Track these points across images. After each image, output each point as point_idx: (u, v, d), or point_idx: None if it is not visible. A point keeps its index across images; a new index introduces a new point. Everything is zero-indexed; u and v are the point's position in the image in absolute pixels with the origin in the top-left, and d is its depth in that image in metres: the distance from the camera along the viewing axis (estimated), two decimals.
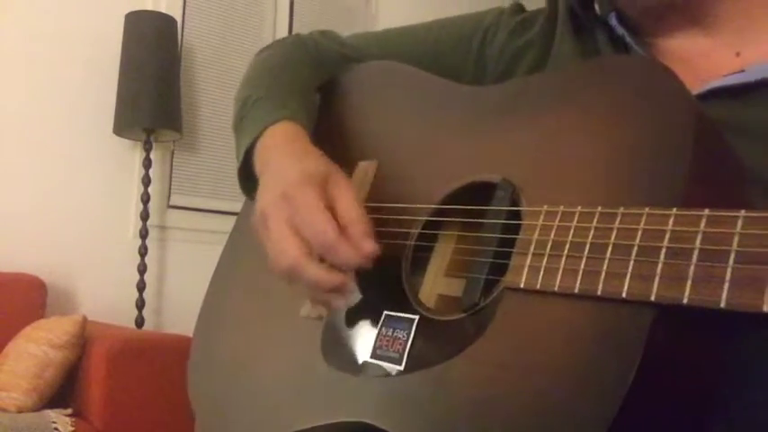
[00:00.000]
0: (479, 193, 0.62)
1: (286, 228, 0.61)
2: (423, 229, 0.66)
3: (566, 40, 0.74)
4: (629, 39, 0.70)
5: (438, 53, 0.83)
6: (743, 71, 0.62)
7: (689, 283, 0.43)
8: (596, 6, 0.72)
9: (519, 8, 0.83)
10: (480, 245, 0.60)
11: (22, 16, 2.54)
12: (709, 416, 0.50)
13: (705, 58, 0.66)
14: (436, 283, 0.66)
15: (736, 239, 0.42)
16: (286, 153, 0.70)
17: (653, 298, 0.44)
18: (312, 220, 0.61)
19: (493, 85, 0.75)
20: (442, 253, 0.68)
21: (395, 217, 0.64)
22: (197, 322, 0.85)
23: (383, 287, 0.66)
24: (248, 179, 0.77)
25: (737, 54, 0.66)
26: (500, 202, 0.59)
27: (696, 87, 0.59)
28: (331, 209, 0.62)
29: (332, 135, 0.80)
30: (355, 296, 0.63)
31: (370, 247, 0.60)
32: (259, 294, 0.79)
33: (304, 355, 0.68)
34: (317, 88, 0.82)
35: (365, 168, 0.73)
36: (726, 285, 0.41)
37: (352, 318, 0.67)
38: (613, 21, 0.71)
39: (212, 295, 0.86)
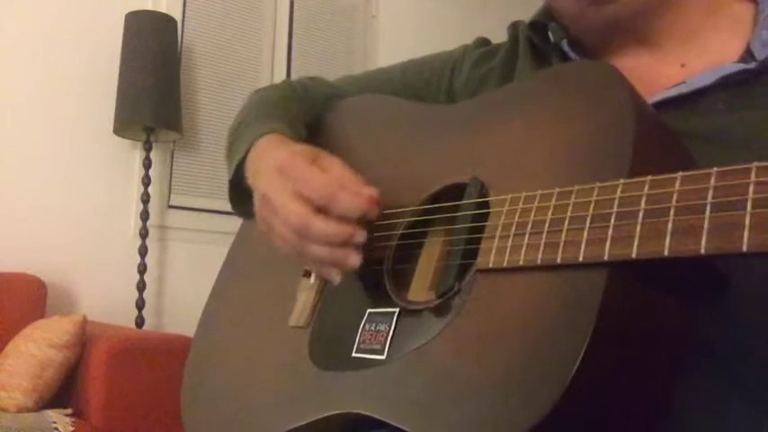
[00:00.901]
0: (455, 195, 0.66)
1: (288, 196, 0.66)
2: (403, 236, 0.70)
3: (526, 66, 0.80)
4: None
5: (414, 91, 0.89)
6: (683, 83, 0.66)
7: (636, 239, 0.47)
8: (550, 34, 0.78)
9: (483, 42, 0.90)
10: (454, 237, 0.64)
11: (22, 16, 2.55)
12: (669, 378, 0.53)
13: (653, 73, 0.70)
14: (421, 293, 0.68)
15: (675, 196, 0.46)
16: (274, 150, 0.74)
17: (606, 257, 0.48)
18: (309, 178, 0.65)
19: (461, 102, 0.81)
20: (427, 257, 0.71)
21: (377, 223, 0.68)
22: (192, 346, 0.89)
23: (367, 292, 0.69)
24: (240, 200, 0.82)
25: (683, 65, 0.70)
26: (470, 197, 0.63)
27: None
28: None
29: None
30: (358, 259, 0.65)
31: (369, 191, 0.64)
32: (251, 311, 0.83)
33: (293, 362, 0.72)
34: (305, 125, 0.88)
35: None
36: (668, 236, 0.45)
37: (337, 322, 0.70)
38: (566, 47, 0.76)
39: (208, 314, 0.90)
